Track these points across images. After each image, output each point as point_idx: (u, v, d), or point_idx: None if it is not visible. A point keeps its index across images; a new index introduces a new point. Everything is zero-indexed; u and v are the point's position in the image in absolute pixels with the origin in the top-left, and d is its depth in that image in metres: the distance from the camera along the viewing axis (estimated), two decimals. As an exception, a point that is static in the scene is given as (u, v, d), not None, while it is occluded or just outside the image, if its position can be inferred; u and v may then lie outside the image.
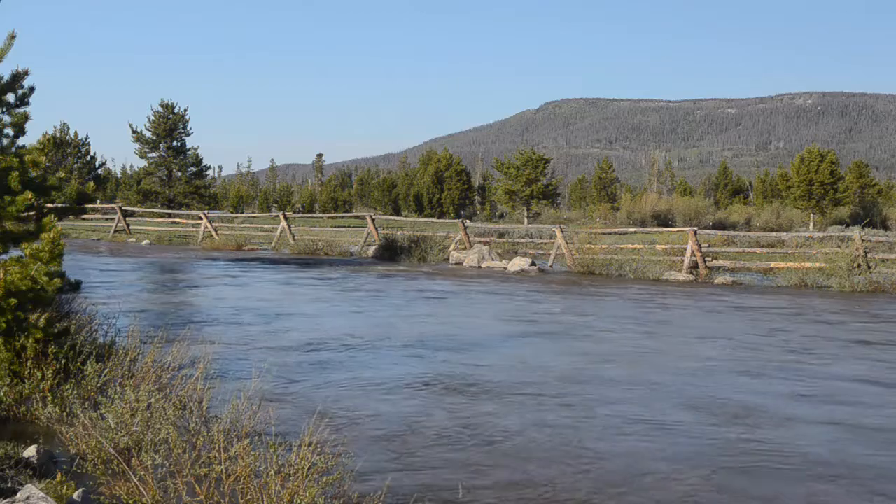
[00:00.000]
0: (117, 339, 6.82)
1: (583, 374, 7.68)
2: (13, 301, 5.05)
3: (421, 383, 7.16)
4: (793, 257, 18.92)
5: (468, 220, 28.09)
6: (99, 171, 40.94)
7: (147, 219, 33.60)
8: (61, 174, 6.50)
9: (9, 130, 6.33)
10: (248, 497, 3.82)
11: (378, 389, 6.91)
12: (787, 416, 6.24)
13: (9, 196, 5.65)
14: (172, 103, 39.42)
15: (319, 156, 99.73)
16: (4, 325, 5.17)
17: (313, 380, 7.24)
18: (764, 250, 21.05)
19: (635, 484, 4.67)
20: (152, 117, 39.13)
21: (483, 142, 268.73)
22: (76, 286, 5.99)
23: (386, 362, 8.12)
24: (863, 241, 17.15)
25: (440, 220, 32.71)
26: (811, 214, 51.74)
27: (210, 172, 49.02)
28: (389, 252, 22.81)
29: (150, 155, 39.47)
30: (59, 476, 4.19)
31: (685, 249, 18.81)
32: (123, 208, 32.58)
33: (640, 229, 25.41)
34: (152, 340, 6.26)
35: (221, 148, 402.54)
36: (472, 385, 7.11)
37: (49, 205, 6.41)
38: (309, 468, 3.88)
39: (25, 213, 5.69)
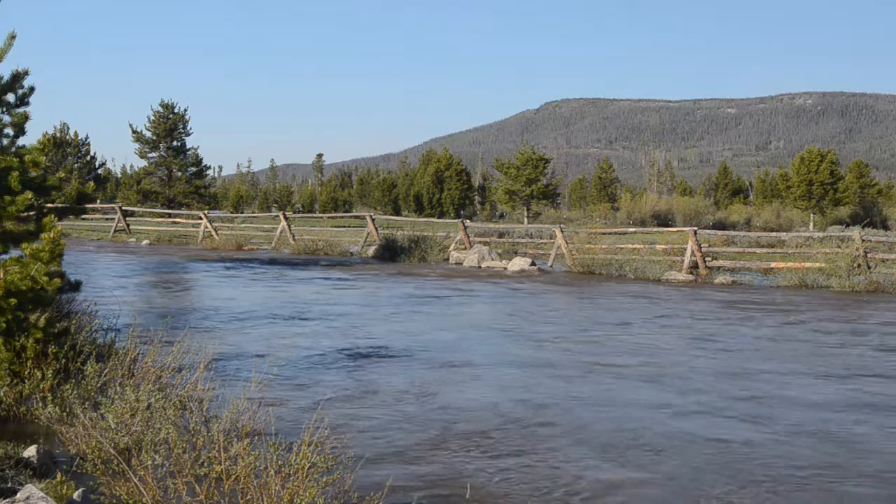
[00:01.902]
0: (117, 339, 6.82)
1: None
2: (13, 301, 5.05)
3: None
4: (793, 257, 18.91)
5: (468, 220, 28.10)
6: (99, 171, 40.94)
7: (147, 219, 33.60)
8: (61, 174, 6.50)
9: (9, 130, 6.32)
10: (248, 497, 3.82)
11: (371, 388, 6.93)
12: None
13: (9, 196, 5.65)
14: (172, 103, 39.44)
15: (319, 156, 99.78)
16: (4, 325, 5.17)
17: (315, 380, 7.25)
18: (764, 250, 21.06)
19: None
20: (152, 117, 39.14)
21: (483, 142, 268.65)
22: (76, 286, 5.99)
23: (382, 366, 8.13)
24: (863, 241, 17.16)
25: (440, 220, 32.71)
26: (811, 214, 51.76)
27: (210, 172, 49.02)
28: (389, 252, 22.81)
29: (150, 155, 39.47)
30: (59, 476, 4.19)
31: (685, 249, 18.81)
32: (123, 208, 32.58)
33: (640, 229, 25.44)
34: (152, 340, 6.26)
35: (221, 148, 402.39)
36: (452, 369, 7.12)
37: (49, 205, 6.41)
38: (309, 468, 3.88)
39: (25, 213, 5.69)
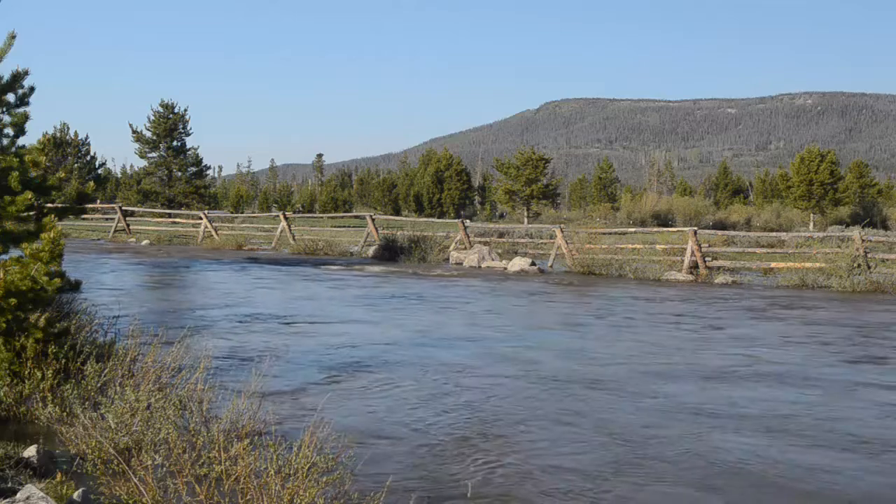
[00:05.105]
0: (117, 339, 6.83)
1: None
2: (13, 301, 5.05)
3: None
4: (793, 257, 18.91)
5: (468, 220, 28.08)
6: (99, 171, 40.90)
7: (147, 219, 33.60)
8: (61, 174, 6.49)
9: (9, 130, 6.32)
10: (248, 497, 3.82)
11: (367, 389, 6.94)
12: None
13: (9, 196, 5.65)
14: (172, 103, 39.42)
15: (319, 156, 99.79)
16: (4, 325, 5.17)
17: (313, 383, 7.25)
18: (764, 250, 21.05)
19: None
20: (152, 117, 39.13)
21: (483, 142, 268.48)
22: (76, 286, 5.98)
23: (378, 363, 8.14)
24: (863, 241, 17.16)
25: (440, 220, 32.71)
26: (811, 214, 51.72)
27: (210, 172, 49.05)
28: (389, 252, 22.81)
29: (150, 155, 39.47)
30: (59, 476, 4.20)
31: (685, 249, 18.82)
32: (123, 208, 32.58)
33: (640, 229, 25.41)
34: (152, 340, 6.26)
35: (221, 148, 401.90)
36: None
37: (49, 205, 6.41)
38: (309, 468, 3.88)
39: (25, 213, 5.69)
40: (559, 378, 7.60)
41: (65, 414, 5.28)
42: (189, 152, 39.80)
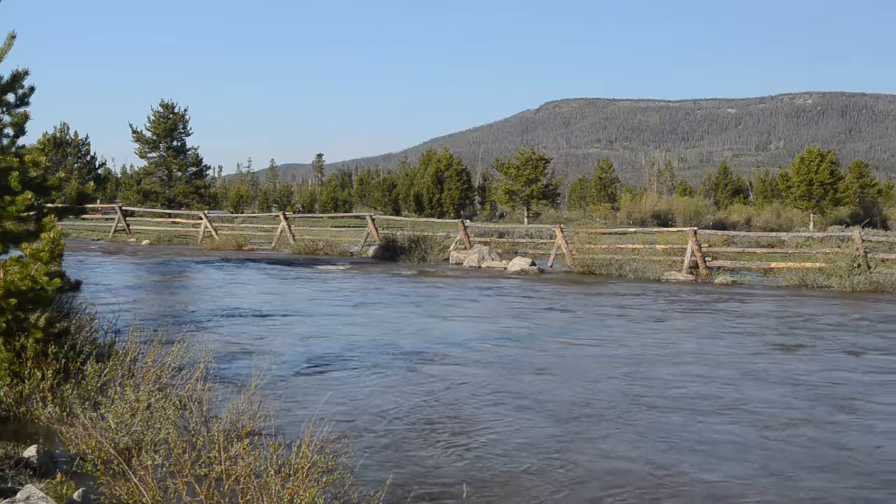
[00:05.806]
0: (117, 339, 6.83)
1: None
2: (13, 301, 5.05)
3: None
4: (793, 257, 18.91)
5: (468, 220, 28.08)
6: (99, 171, 40.92)
7: (147, 219, 33.60)
8: (61, 174, 6.49)
9: (9, 130, 6.32)
10: (248, 497, 3.82)
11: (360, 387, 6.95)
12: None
13: (9, 196, 5.65)
14: (172, 103, 39.43)
15: (319, 156, 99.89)
16: (4, 325, 5.17)
17: (309, 377, 7.25)
18: (764, 250, 21.05)
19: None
20: (152, 117, 39.13)
21: (483, 142, 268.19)
22: (76, 286, 5.98)
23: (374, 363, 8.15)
24: (863, 241, 17.16)
25: (440, 220, 32.71)
26: (811, 214, 51.72)
27: (210, 172, 49.05)
28: (389, 252, 22.81)
29: (150, 155, 39.47)
30: (59, 476, 4.20)
31: (685, 249, 18.82)
32: (123, 208, 32.58)
33: (640, 229, 25.39)
34: (152, 340, 6.26)
35: (221, 148, 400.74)
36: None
37: (49, 205, 6.40)
38: (309, 468, 3.88)
39: (25, 213, 5.69)
40: (525, 369, 8.04)
41: (65, 414, 5.28)
42: (189, 152, 39.81)
